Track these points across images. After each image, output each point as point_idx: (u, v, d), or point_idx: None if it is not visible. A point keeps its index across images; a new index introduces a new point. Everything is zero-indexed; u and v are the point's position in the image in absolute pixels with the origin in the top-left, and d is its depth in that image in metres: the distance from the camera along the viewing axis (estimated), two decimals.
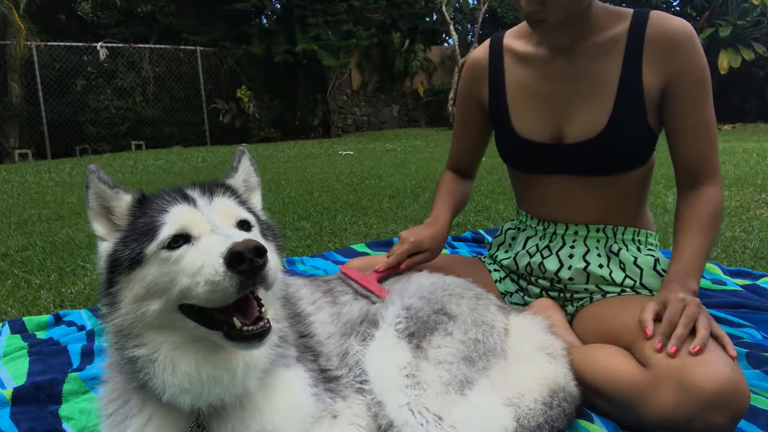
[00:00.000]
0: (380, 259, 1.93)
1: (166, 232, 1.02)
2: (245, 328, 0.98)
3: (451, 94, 16.43)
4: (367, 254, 2.99)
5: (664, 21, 1.58)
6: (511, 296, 1.90)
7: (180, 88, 15.52)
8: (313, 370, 1.25)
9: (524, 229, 1.90)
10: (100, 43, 14.58)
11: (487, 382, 1.28)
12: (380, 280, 1.65)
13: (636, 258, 1.68)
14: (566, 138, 1.68)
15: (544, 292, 1.81)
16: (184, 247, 1.00)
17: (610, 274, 1.67)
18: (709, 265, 2.64)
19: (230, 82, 16.05)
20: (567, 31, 1.61)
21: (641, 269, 1.66)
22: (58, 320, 2.28)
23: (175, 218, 1.04)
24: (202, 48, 15.41)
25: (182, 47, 15.35)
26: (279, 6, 16.13)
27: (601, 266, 1.69)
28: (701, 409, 1.19)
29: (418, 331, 1.32)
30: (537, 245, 1.81)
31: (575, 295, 1.75)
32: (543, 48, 1.71)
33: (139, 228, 1.06)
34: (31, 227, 4.48)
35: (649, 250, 1.73)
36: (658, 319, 1.36)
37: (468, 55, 1.98)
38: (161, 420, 1.08)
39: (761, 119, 15.49)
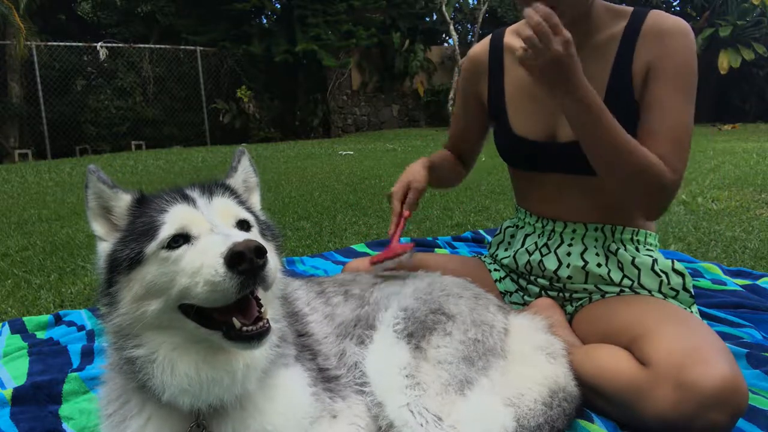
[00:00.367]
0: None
1: (165, 232, 1.02)
2: (245, 328, 0.98)
3: (451, 94, 16.42)
4: (367, 254, 2.99)
5: (661, 17, 1.59)
6: (510, 296, 1.90)
7: (180, 88, 15.52)
8: (312, 369, 1.25)
9: (523, 227, 1.90)
10: (100, 43, 14.58)
11: (487, 382, 1.28)
12: (376, 262, 1.75)
13: (634, 258, 1.68)
14: (559, 137, 1.68)
15: (543, 292, 1.81)
16: (184, 247, 1.00)
17: (608, 274, 1.67)
18: (709, 265, 2.64)
19: (230, 82, 16.05)
20: (570, 28, 1.61)
21: (639, 269, 1.66)
22: (58, 320, 2.28)
23: (174, 218, 1.04)
24: (202, 48, 15.41)
25: (182, 47, 15.35)
26: (279, 6, 16.13)
27: (599, 265, 1.69)
28: (700, 408, 1.20)
29: (417, 332, 1.32)
30: (536, 243, 1.81)
31: (574, 295, 1.75)
32: None
33: (139, 228, 1.06)
34: (31, 227, 4.48)
35: (648, 250, 1.73)
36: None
37: (470, 51, 1.99)
38: (161, 420, 1.08)
39: (761, 119, 15.49)
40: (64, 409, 1.56)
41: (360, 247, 3.19)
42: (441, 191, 5.31)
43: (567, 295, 1.76)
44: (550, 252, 1.77)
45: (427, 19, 19.16)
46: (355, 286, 1.55)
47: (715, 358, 1.24)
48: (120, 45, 14.92)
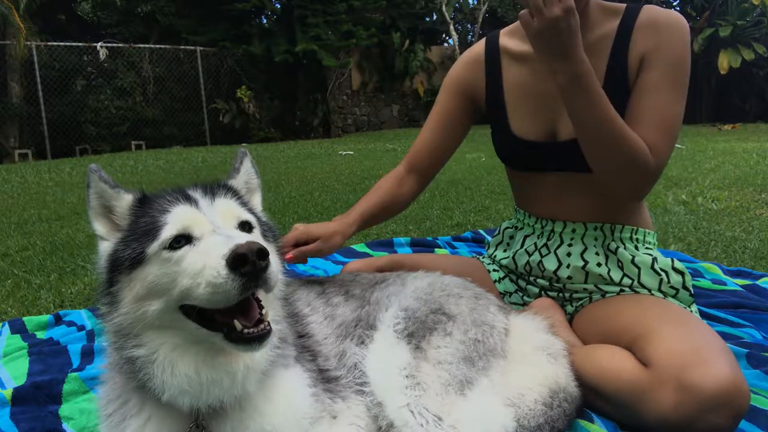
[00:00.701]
0: (381, 260, 1.93)
1: (167, 232, 1.02)
2: (246, 330, 0.98)
3: None
4: (367, 254, 2.99)
5: (655, 10, 1.60)
6: (510, 296, 1.90)
7: (180, 88, 15.52)
8: (312, 370, 1.25)
9: (522, 228, 1.90)
10: (100, 43, 14.58)
11: (488, 383, 1.28)
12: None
13: (634, 257, 1.68)
14: (560, 135, 1.68)
15: (543, 292, 1.81)
16: (186, 248, 1.00)
17: (608, 273, 1.67)
18: (709, 265, 2.64)
19: (230, 82, 16.06)
20: None
21: (639, 268, 1.66)
22: (58, 320, 2.28)
23: (176, 218, 1.04)
24: (202, 48, 15.41)
25: (182, 47, 15.35)
26: (279, 6, 16.13)
27: (599, 265, 1.69)
28: (701, 410, 1.19)
29: (417, 332, 1.32)
30: (535, 243, 1.81)
31: (574, 295, 1.75)
32: None
33: (141, 228, 1.06)
34: (31, 227, 4.48)
35: (647, 248, 1.73)
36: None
37: (462, 55, 1.94)
38: (160, 420, 1.08)
39: (761, 119, 15.48)
40: (64, 409, 1.56)
41: (360, 247, 3.18)
42: (440, 191, 5.31)
43: (567, 295, 1.76)
44: (549, 252, 1.77)
45: (427, 19, 19.17)
46: (356, 286, 1.55)
47: (715, 359, 1.23)
48: (120, 45, 14.92)
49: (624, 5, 1.64)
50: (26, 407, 1.54)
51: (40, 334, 2.16)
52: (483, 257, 2.08)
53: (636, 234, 1.73)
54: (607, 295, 1.68)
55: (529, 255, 1.81)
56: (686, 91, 1.55)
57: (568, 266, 1.73)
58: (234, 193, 1.20)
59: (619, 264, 1.68)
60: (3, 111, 13.15)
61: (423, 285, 1.50)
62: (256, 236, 1.11)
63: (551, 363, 1.39)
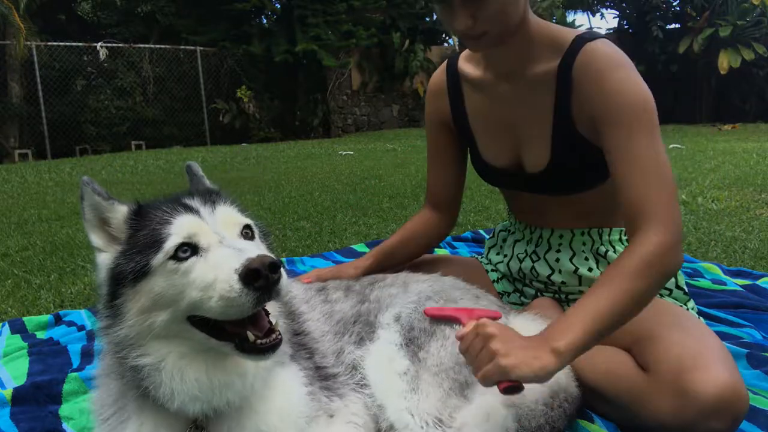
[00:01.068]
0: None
1: (172, 242, 1.01)
2: (259, 341, 0.98)
3: None
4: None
5: (593, 54, 1.42)
6: (508, 296, 1.90)
7: (180, 88, 15.52)
8: (308, 368, 1.25)
9: (513, 232, 1.90)
10: (100, 43, 14.58)
11: None
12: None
13: None
14: (527, 167, 1.65)
15: (539, 294, 1.81)
16: (193, 259, 0.99)
17: None
18: (709, 265, 2.64)
19: (230, 82, 16.05)
20: (505, 51, 1.51)
21: None
22: (58, 320, 2.28)
23: (180, 229, 1.02)
24: (202, 48, 15.40)
25: (182, 47, 15.34)
26: (279, 6, 16.12)
27: (590, 269, 1.68)
28: (700, 416, 1.19)
29: (418, 336, 1.32)
30: (525, 250, 1.81)
31: (570, 296, 1.74)
32: (489, 72, 1.64)
33: (142, 240, 1.05)
34: (31, 227, 4.48)
35: None
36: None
37: (431, 78, 1.86)
38: (159, 423, 1.07)
39: (761, 119, 15.47)
40: (64, 409, 1.56)
41: (360, 247, 3.19)
42: None
43: (563, 296, 1.76)
44: (539, 258, 1.76)
45: (427, 19, 19.14)
46: (356, 283, 1.57)
47: (715, 364, 1.22)
48: (120, 45, 14.92)
49: (571, 38, 1.47)
50: (26, 407, 1.54)
51: (40, 334, 2.16)
52: (481, 257, 2.08)
53: (624, 235, 1.71)
54: None
55: (521, 261, 1.81)
56: (658, 130, 1.37)
57: (560, 272, 1.72)
58: (229, 197, 1.20)
59: None
60: (3, 111, 13.14)
61: (425, 287, 1.50)
62: (258, 242, 1.11)
63: None
